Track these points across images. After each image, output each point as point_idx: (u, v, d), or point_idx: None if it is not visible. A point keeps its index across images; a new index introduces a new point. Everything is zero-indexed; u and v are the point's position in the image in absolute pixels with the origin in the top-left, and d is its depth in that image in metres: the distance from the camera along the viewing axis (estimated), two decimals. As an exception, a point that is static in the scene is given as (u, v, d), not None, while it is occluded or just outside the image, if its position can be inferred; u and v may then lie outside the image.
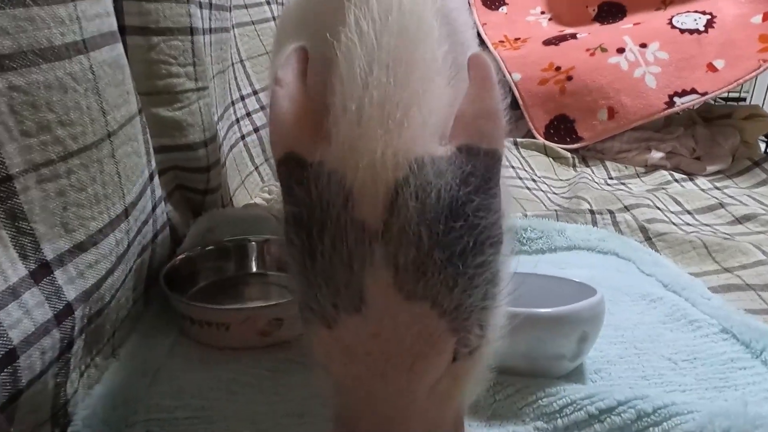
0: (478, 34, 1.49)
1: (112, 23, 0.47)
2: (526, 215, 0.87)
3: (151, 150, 0.57)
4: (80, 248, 0.42)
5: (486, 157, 0.30)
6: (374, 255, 0.28)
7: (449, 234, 0.28)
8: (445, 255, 0.28)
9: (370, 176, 0.28)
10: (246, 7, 1.06)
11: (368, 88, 0.29)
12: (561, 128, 1.33)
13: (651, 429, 0.43)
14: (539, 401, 0.46)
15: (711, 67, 1.26)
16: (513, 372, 0.48)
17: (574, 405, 0.45)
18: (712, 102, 1.45)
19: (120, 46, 0.49)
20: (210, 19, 0.76)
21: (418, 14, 0.31)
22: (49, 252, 0.39)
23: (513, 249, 0.35)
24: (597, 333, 0.50)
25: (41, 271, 0.38)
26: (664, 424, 0.42)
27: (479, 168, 0.29)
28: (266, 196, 0.97)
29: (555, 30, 1.54)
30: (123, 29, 0.58)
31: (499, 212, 0.31)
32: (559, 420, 0.45)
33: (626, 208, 0.95)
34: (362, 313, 0.28)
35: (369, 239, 0.28)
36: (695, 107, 1.29)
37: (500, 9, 1.66)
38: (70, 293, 0.40)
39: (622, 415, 0.43)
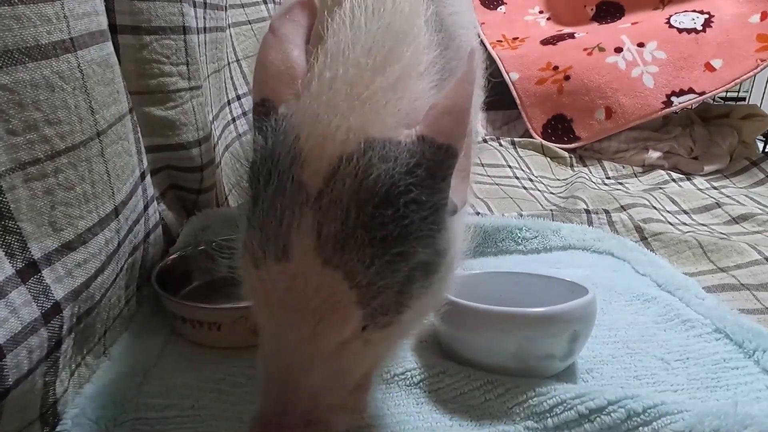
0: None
1: (101, 22, 0.47)
2: (521, 215, 0.87)
3: (143, 149, 0.57)
4: (68, 247, 0.42)
5: (438, 151, 0.31)
6: (303, 218, 0.30)
7: (376, 218, 0.30)
8: (367, 236, 0.30)
9: (320, 143, 0.30)
10: (242, 6, 1.06)
11: (346, 64, 0.31)
12: (558, 128, 1.33)
13: (641, 428, 0.42)
14: (529, 401, 0.46)
15: (709, 67, 1.25)
16: (503, 371, 0.48)
17: (564, 404, 0.45)
18: (711, 101, 1.45)
19: (110, 45, 0.48)
20: (204, 18, 0.76)
21: (408, 16, 0.33)
22: (36, 251, 0.39)
23: (460, 256, 0.37)
24: (588, 333, 0.50)
25: (28, 270, 0.38)
26: (654, 423, 0.42)
27: (429, 160, 0.31)
28: (262, 195, 0.97)
29: (553, 29, 1.54)
30: (114, 28, 0.58)
31: (440, 215, 0.32)
32: (549, 419, 0.45)
33: (623, 208, 0.95)
34: (283, 265, 0.31)
35: (302, 202, 0.30)
36: (693, 107, 1.28)
37: (498, 8, 1.66)
38: (58, 292, 0.40)
39: (612, 414, 0.43)
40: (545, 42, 1.45)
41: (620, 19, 1.50)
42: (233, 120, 0.98)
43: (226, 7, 0.88)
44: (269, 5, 1.13)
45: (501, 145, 1.30)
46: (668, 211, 0.97)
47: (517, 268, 0.63)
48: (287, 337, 0.32)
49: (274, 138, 0.31)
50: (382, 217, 0.30)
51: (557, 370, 0.50)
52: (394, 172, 0.30)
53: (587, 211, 0.92)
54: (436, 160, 0.31)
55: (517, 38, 1.53)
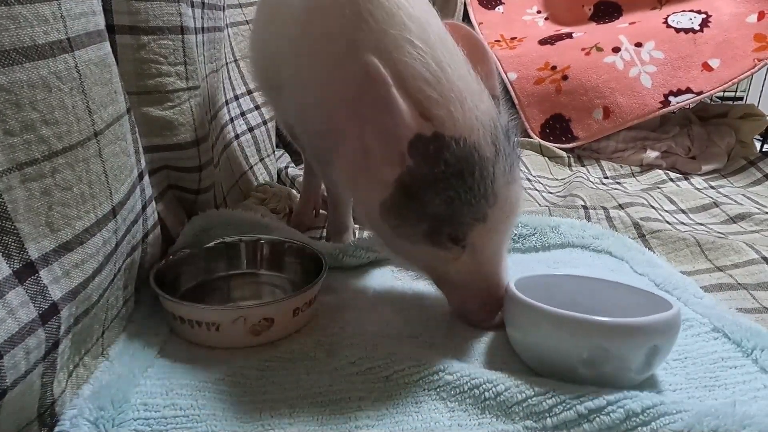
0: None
1: (99, 22, 0.47)
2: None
3: (141, 149, 0.57)
4: (66, 248, 0.41)
5: (498, 101, 0.54)
6: (497, 171, 0.49)
7: (513, 142, 0.53)
8: (515, 154, 0.53)
9: (481, 133, 0.49)
10: (240, 6, 1.06)
11: (449, 81, 0.49)
12: (557, 128, 1.33)
13: (640, 428, 0.42)
14: (528, 400, 0.46)
15: (706, 67, 1.26)
16: (570, 375, 0.47)
17: (564, 404, 0.45)
18: (709, 101, 1.45)
19: (107, 45, 0.48)
20: (202, 18, 0.76)
21: (449, 41, 0.52)
22: (33, 251, 0.39)
23: None
24: (670, 348, 0.48)
25: (25, 271, 0.38)
26: (653, 423, 0.42)
27: (502, 108, 0.54)
28: (260, 195, 0.97)
29: (551, 29, 1.54)
30: (112, 28, 0.58)
31: None
32: (548, 419, 0.45)
33: (621, 207, 0.95)
34: (498, 203, 0.50)
35: (494, 165, 0.49)
36: (691, 106, 1.29)
37: (497, 8, 1.66)
38: (56, 293, 0.40)
39: (611, 414, 0.43)
40: (543, 42, 1.45)
41: (618, 19, 1.50)
42: (231, 120, 0.98)
43: (224, 7, 0.88)
44: (267, 5, 1.13)
45: (499, 144, 1.30)
46: (666, 211, 0.98)
47: (528, 270, 0.62)
48: (503, 253, 0.55)
49: (454, 148, 0.48)
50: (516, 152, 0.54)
51: (632, 383, 0.48)
52: (509, 130, 0.53)
53: (585, 208, 0.92)
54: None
55: (515, 38, 1.53)
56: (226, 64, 0.98)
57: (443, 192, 0.49)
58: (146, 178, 0.59)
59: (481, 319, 0.57)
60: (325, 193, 0.97)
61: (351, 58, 0.50)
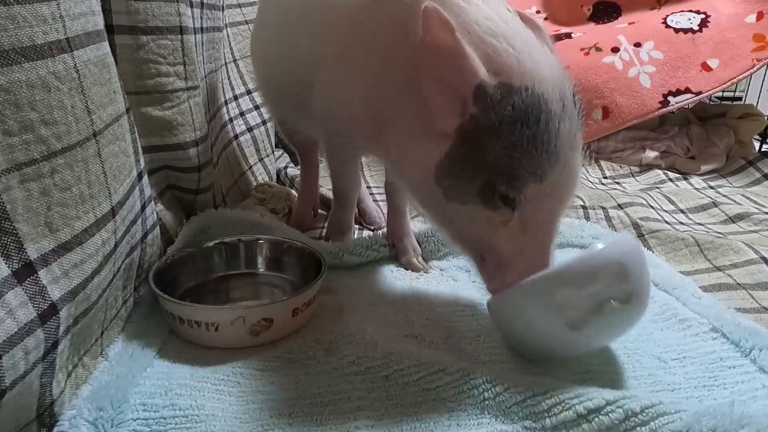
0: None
1: (98, 22, 0.47)
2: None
3: (140, 149, 0.57)
4: (65, 248, 0.41)
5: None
6: (561, 129, 0.48)
7: (577, 109, 0.50)
8: (579, 122, 0.50)
9: (549, 85, 0.48)
10: (239, 6, 1.06)
11: (513, 38, 0.49)
12: (556, 127, 1.33)
13: (639, 428, 0.43)
14: (528, 400, 0.46)
15: (705, 67, 1.26)
16: (559, 345, 0.50)
17: (563, 404, 0.45)
18: (708, 101, 1.45)
19: (106, 45, 0.48)
20: (201, 18, 0.75)
21: (507, 7, 0.53)
22: (32, 252, 0.39)
23: None
24: (638, 269, 0.48)
25: (24, 271, 0.38)
26: (652, 423, 0.42)
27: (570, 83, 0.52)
28: (260, 195, 0.97)
29: (550, 29, 1.54)
30: (111, 28, 0.58)
31: None
32: (547, 419, 0.45)
33: (620, 207, 0.95)
34: (557, 166, 0.48)
35: (558, 120, 0.48)
36: (690, 106, 1.29)
37: None
38: (55, 293, 0.40)
39: (610, 414, 0.43)
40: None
41: (617, 19, 1.50)
42: (230, 120, 0.98)
43: (223, 7, 0.88)
44: (266, 5, 1.13)
45: (498, 144, 1.30)
46: (665, 210, 0.98)
47: None
48: (560, 214, 0.51)
49: (523, 96, 0.47)
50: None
51: (631, 318, 0.49)
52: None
53: (584, 207, 0.92)
54: None
55: (515, 38, 1.53)
56: (226, 64, 0.98)
57: (506, 137, 0.47)
58: (145, 178, 0.59)
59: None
60: (324, 194, 0.97)
61: (406, 39, 0.52)
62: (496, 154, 0.48)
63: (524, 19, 0.53)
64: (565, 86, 0.50)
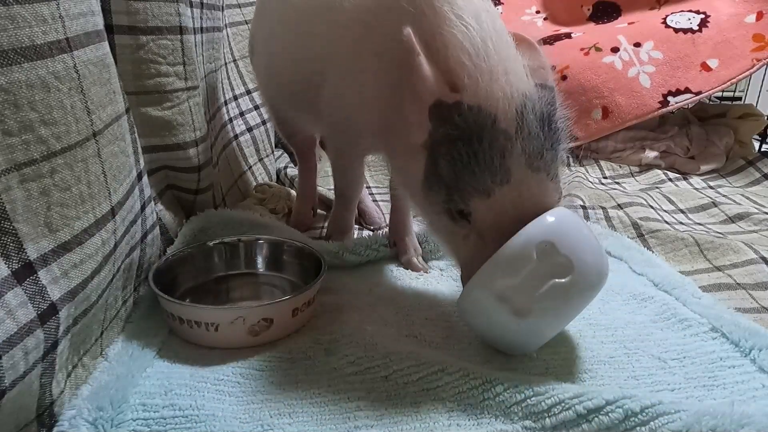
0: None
1: (97, 22, 0.47)
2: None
3: (140, 149, 0.57)
4: (65, 248, 0.41)
5: (548, 90, 0.51)
6: (514, 148, 0.48)
7: (550, 131, 0.50)
8: (548, 144, 0.50)
9: (505, 105, 0.48)
10: (239, 6, 1.06)
11: (487, 55, 0.49)
12: (555, 127, 1.33)
13: (638, 428, 0.43)
14: (527, 400, 0.46)
15: (705, 67, 1.26)
16: (524, 332, 0.50)
17: (563, 404, 0.45)
18: (707, 101, 1.45)
19: (106, 45, 0.48)
20: (201, 18, 0.75)
21: (500, 26, 0.53)
22: (32, 252, 0.39)
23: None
24: (571, 241, 0.47)
25: (24, 271, 0.38)
26: (652, 423, 0.42)
27: (548, 96, 0.51)
28: (259, 195, 0.97)
29: (550, 29, 1.54)
30: (111, 28, 0.58)
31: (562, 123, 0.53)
32: (547, 419, 0.45)
33: (620, 207, 0.95)
34: (510, 184, 0.48)
35: (510, 139, 0.48)
36: (689, 106, 1.28)
37: (496, 8, 1.66)
38: (55, 293, 0.40)
39: (609, 414, 0.43)
40: (542, 42, 1.45)
41: (617, 19, 1.50)
42: (230, 120, 0.98)
43: (222, 7, 0.88)
44: (266, 5, 1.13)
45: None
46: (665, 210, 0.98)
47: None
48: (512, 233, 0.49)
49: (469, 116, 0.49)
50: (552, 129, 0.50)
51: (581, 292, 0.48)
52: (544, 104, 0.50)
53: (584, 207, 0.92)
54: (551, 95, 0.52)
55: (514, 38, 1.53)
56: (225, 64, 0.98)
57: (448, 154, 0.49)
58: (145, 179, 0.59)
59: None
60: (323, 194, 0.97)
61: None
62: (442, 168, 0.50)
63: (518, 39, 0.54)
64: (528, 105, 0.49)
